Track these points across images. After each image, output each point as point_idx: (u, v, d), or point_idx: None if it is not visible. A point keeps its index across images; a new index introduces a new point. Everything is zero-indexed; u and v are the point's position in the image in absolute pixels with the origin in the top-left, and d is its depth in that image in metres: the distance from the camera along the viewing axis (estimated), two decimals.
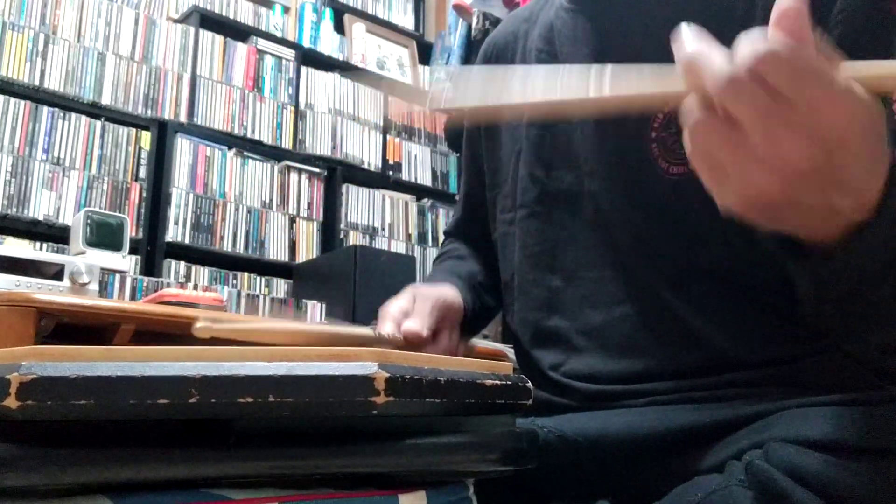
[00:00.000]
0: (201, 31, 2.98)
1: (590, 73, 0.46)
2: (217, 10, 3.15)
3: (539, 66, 0.52)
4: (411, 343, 0.68)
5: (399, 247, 3.23)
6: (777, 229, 0.46)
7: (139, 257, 2.61)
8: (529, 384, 0.49)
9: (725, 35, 0.63)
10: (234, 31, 3.12)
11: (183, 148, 2.78)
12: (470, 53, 2.74)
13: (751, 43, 0.38)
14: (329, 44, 3.43)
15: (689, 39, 0.42)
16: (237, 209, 2.86)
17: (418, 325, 0.69)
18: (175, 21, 2.99)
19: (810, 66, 0.38)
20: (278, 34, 3.29)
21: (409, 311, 0.72)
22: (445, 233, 0.97)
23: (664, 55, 0.66)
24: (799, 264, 0.50)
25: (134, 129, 2.73)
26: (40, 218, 2.48)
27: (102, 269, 1.57)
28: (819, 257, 0.48)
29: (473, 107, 0.57)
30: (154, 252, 2.67)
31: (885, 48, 0.57)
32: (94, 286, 1.47)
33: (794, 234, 0.47)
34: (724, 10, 0.64)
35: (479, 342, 1.72)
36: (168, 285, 2.42)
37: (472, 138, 0.89)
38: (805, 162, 0.39)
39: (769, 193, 0.41)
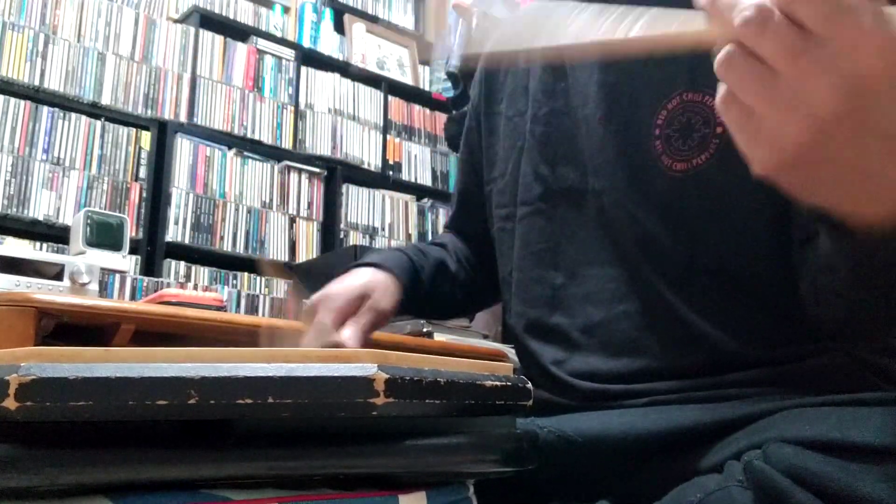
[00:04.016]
0: (201, 31, 2.98)
1: (624, 17, 0.43)
2: (217, 10, 3.15)
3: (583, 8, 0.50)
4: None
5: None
6: (818, 199, 0.42)
7: (139, 257, 2.61)
8: (529, 385, 0.49)
9: None
10: (234, 31, 3.12)
11: (183, 148, 2.79)
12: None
13: None
14: (329, 44, 3.43)
15: None
16: (237, 209, 2.86)
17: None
18: (175, 21, 2.99)
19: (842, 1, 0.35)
20: (278, 34, 3.29)
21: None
22: (444, 226, 0.98)
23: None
24: (840, 243, 0.47)
25: (134, 129, 2.73)
26: (40, 218, 2.48)
27: (102, 269, 1.57)
28: (865, 238, 0.44)
29: (493, 49, 0.54)
30: (154, 252, 2.67)
31: None
32: (94, 286, 1.47)
33: (837, 211, 0.43)
34: None
35: (479, 342, 1.72)
36: (168, 285, 2.42)
37: (472, 132, 0.89)
38: (834, 103, 0.36)
39: (800, 143, 0.38)
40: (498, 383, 0.46)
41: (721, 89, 0.40)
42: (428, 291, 0.84)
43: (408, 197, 3.38)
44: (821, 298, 0.57)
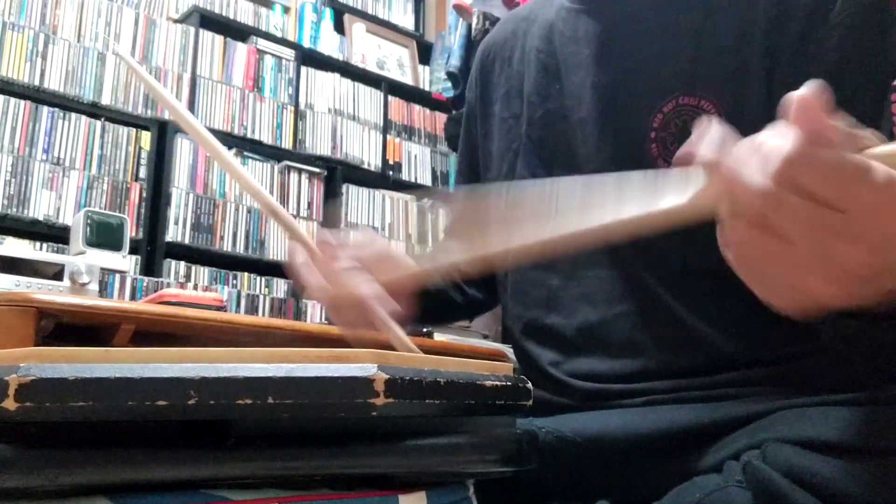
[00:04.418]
0: (201, 31, 2.98)
1: (596, 195, 0.41)
2: (217, 10, 3.15)
3: (534, 189, 0.47)
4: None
5: (399, 247, 3.23)
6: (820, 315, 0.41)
7: (139, 257, 2.61)
8: (529, 385, 0.49)
9: (726, 34, 0.64)
10: (234, 31, 3.12)
11: (183, 148, 2.79)
12: (470, 53, 2.74)
13: (777, 145, 0.35)
14: (329, 44, 3.43)
15: (708, 145, 0.38)
16: (237, 209, 2.86)
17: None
18: (175, 21, 2.99)
19: (845, 162, 0.34)
20: (278, 34, 3.28)
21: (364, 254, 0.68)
22: (445, 230, 0.98)
23: (665, 57, 0.66)
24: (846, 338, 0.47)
25: (134, 129, 2.73)
26: (40, 218, 2.48)
27: (102, 269, 1.57)
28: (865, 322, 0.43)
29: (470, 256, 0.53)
30: (154, 252, 2.67)
31: (885, 49, 0.58)
32: (94, 286, 1.47)
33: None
34: (726, 10, 0.64)
35: (479, 342, 1.72)
36: (168, 285, 2.42)
37: (468, 134, 0.89)
38: (864, 269, 0.36)
39: (821, 299, 0.37)
40: (498, 383, 0.46)
41: (731, 254, 0.39)
42: (441, 291, 0.85)
43: (408, 197, 3.38)
44: None
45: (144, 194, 2.69)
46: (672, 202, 0.40)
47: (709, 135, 0.39)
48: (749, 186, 0.36)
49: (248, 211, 2.89)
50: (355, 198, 3.19)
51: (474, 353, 1.48)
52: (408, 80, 3.64)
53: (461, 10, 2.77)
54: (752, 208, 0.36)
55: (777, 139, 0.35)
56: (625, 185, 0.43)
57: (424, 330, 1.62)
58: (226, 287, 2.76)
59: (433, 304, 0.83)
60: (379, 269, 0.67)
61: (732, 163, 0.37)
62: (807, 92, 0.35)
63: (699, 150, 0.38)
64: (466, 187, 0.92)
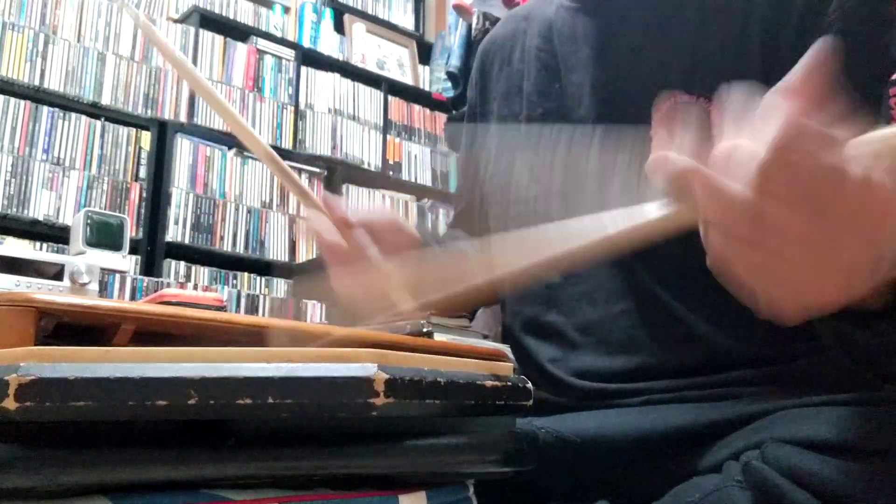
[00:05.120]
0: (201, 31, 2.98)
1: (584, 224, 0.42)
2: (217, 10, 3.15)
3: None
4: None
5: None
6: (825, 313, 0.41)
7: (139, 257, 2.61)
8: (529, 385, 0.49)
9: (724, 32, 0.64)
10: (234, 31, 3.12)
11: (183, 148, 2.79)
12: (470, 53, 2.74)
13: (750, 152, 0.34)
14: (329, 44, 3.43)
15: (681, 150, 0.37)
16: (237, 209, 2.86)
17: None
18: (175, 21, 2.99)
19: (820, 168, 0.33)
20: (278, 34, 3.29)
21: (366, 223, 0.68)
22: (448, 225, 0.98)
23: (663, 55, 0.66)
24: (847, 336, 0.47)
25: (134, 129, 2.73)
26: (40, 218, 2.48)
27: (102, 269, 1.57)
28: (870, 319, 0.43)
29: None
30: (154, 252, 2.67)
31: (880, 47, 0.58)
32: (94, 286, 1.47)
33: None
34: (723, 8, 0.64)
35: (479, 342, 1.72)
36: (168, 285, 2.42)
37: (469, 131, 0.89)
38: (860, 261, 0.35)
39: (817, 299, 0.37)
40: (498, 383, 0.46)
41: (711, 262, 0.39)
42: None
43: (408, 197, 3.38)
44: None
45: (144, 194, 2.69)
46: (653, 214, 0.40)
47: (681, 136, 0.38)
48: (725, 197, 0.35)
49: (248, 211, 2.89)
50: (355, 198, 3.19)
51: (474, 353, 1.48)
52: (408, 80, 3.64)
53: (461, 10, 2.77)
54: (732, 220, 0.35)
55: (751, 144, 0.34)
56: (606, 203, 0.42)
57: (424, 329, 1.62)
58: (226, 287, 2.76)
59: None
60: (386, 237, 0.67)
61: (706, 171, 0.36)
62: (783, 89, 0.34)
63: (670, 157, 0.37)
64: (467, 189, 0.92)
